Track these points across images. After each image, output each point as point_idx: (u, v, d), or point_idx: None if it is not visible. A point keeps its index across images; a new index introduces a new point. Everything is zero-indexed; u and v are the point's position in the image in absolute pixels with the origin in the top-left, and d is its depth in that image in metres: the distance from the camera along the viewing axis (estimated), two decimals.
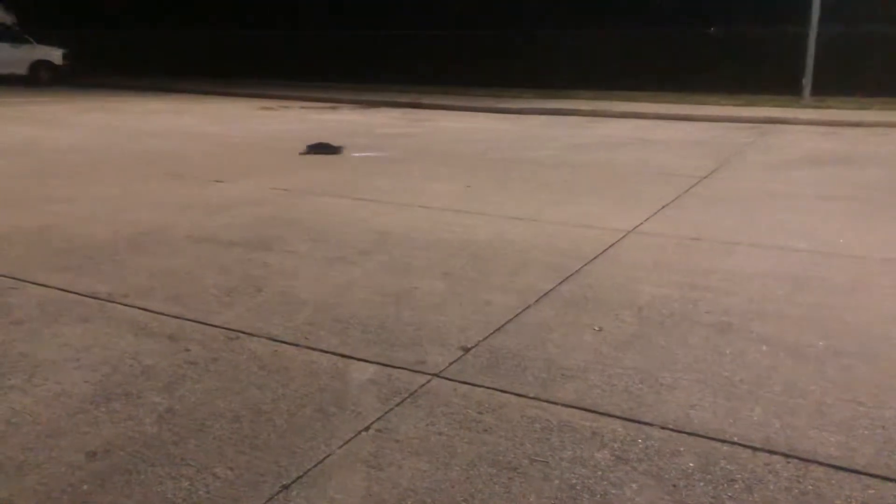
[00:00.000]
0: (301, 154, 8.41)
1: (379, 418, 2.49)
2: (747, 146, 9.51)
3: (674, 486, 2.12)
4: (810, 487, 2.12)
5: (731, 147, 9.41)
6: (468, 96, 16.27)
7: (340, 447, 2.32)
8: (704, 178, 7.18)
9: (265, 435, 2.39)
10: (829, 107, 13.10)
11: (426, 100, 15.64)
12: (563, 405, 2.60)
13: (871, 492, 2.09)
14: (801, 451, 2.30)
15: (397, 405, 2.58)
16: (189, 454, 2.27)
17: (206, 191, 6.44)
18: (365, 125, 12.13)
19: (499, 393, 2.68)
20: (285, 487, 2.11)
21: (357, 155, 8.36)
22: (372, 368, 2.89)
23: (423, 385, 2.74)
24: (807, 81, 14.01)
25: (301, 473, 2.17)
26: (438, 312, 3.51)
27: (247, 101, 16.76)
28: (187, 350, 3.06)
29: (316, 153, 8.44)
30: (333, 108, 15.23)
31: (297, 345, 3.12)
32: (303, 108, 15.14)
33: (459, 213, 5.64)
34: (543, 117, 13.49)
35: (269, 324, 3.35)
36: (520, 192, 6.50)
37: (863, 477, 2.17)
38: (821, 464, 2.23)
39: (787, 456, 2.27)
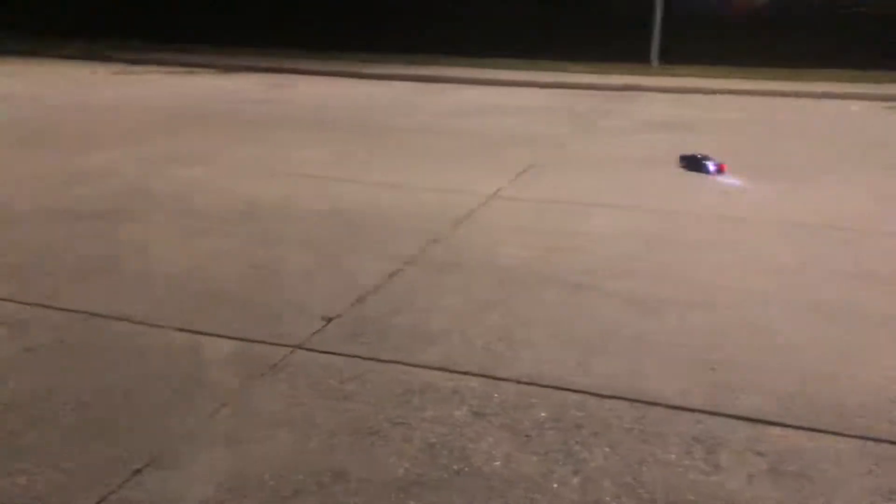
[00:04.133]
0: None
1: (238, 394, 2.45)
2: (602, 112, 9.94)
3: (527, 436, 2.23)
4: (650, 428, 2.29)
5: (587, 113, 9.80)
6: (333, 61, 15.89)
7: (198, 426, 2.26)
8: (563, 142, 7.45)
9: (117, 420, 2.29)
10: (676, 74, 13.88)
11: (290, 64, 15.15)
12: (425, 367, 2.66)
13: (700, 426, 2.30)
14: (643, 395, 2.48)
15: (257, 379, 2.55)
16: (28, 448, 2.14)
17: (56, 161, 5.97)
18: (226, 91, 11.63)
19: (361, 360, 2.70)
20: (138, 472, 2.03)
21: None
22: (231, 344, 2.82)
23: (285, 357, 2.71)
24: (655, 49, 14.74)
25: (155, 456, 2.10)
26: (304, 283, 3.47)
27: (93, 65, 15.59)
28: (30, 335, 2.86)
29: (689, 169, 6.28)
30: (190, 72, 14.47)
31: (152, 324, 2.99)
32: (159, 72, 14.29)
33: (329, 180, 5.57)
34: (408, 84, 13.45)
35: (123, 303, 3.18)
36: (388, 158, 6.49)
37: (696, 414, 2.37)
38: (660, 405, 2.42)
39: (630, 401, 2.44)
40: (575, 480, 2.03)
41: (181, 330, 2.94)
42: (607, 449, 2.17)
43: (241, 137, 7.41)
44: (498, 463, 2.10)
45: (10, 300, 3.19)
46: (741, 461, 2.13)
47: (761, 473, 2.08)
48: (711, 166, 6.04)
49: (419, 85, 13.30)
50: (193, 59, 15.98)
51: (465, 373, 2.62)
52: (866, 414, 2.38)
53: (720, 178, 5.88)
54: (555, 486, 2.00)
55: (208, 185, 5.33)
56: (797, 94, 11.56)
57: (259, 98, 10.71)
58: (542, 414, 2.35)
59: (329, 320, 3.04)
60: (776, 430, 2.28)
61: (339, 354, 2.74)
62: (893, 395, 2.50)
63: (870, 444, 2.22)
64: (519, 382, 2.55)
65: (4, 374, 2.58)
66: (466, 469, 2.07)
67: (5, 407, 2.36)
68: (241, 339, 2.86)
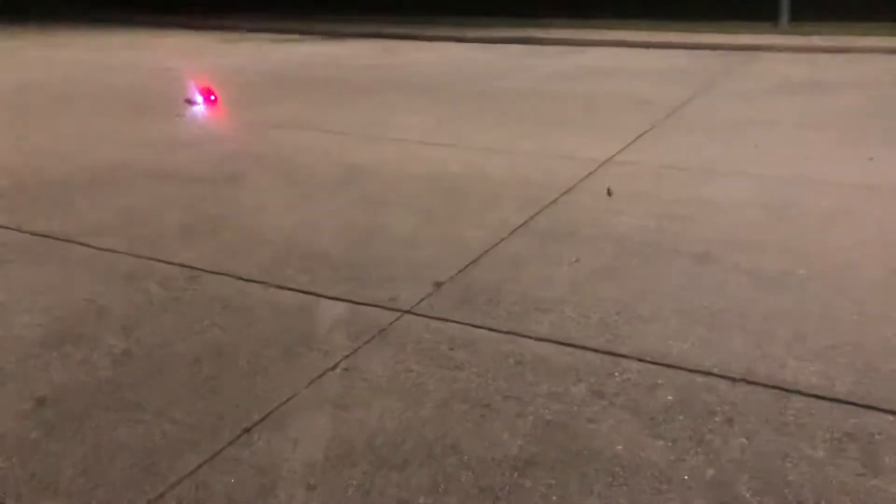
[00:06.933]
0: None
1: (347, 357, 2.39)
2: (724, 74, 9.33)
3: (652, 419, 2.06)
4: (791, 418, 2.06)
5: (707, 75, 9.23)
6: (442, 26, 15.76)
7: (306, 388, 2.22)
8: (681, 106, 7.02)
9: (226, 377, 2.28)
10: (806, 33, 12.89)
11: (399, 30, 15.12)
12: (538, 339, 2.51)
13: (852, 420, 2.04)
14: (781, 381, 2.24)
15: (366, 343, 2.48)
16: (145, 398, 2.16)
17: (168, 126, 6.16)
18: (334, 57, 11.71)
19: (471, 328, 2.58)
20: (246, 430, 2.01)
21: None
22: (340, 306, 2.77)
23: (394, 322, 2.63)
24: (784, 7, 13.72)
25: (263, 416, 2.07)
26: (410, 248, 3.38)
27: (209, 34, 16.11)
28: (146, 290, 2.91)
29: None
30: (299, 40, 14.69)
31: (262, 283, 2.99)
32: (270, 40, 14.59)
33: (432, 146, 5.46)
34: (518, 47, 13.12)
35: (232, 262, 3.20)
36: (494, 123, 6.31)
37: (844, 406, 2.12)
38: (801, 394, 2.18)
39: (767, 386, 2.21)
40: (709, 473, 1.84)
41: (290, 290, 2.92)
42: (744, 440, 1.97)
43: (346, 102, 7.42)
44: (620, 447, 1.94)
45: (134, 255, 3.28)
46: None
47: None
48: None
49: (531, 48, 12.95)
50: (299, 26, 16.23)
51: (582, 347, 2.46)
52: None
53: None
54: (685, 477, 1.82)
55: (312, 149, 5.33)
56: None
57: (366, 64, 10.72)
58: (669, 397, 2.16)
59: (439, 285, 2.94)
60: None
61: (450, 321, 2.64)
62: None
63: None
64: (641, 360, 2.36)
65: (129, 324, 2.65)
66: (586, 451, 1.92)
67: (129, 356, 2.41)
68: (350, 302, 2.80)
